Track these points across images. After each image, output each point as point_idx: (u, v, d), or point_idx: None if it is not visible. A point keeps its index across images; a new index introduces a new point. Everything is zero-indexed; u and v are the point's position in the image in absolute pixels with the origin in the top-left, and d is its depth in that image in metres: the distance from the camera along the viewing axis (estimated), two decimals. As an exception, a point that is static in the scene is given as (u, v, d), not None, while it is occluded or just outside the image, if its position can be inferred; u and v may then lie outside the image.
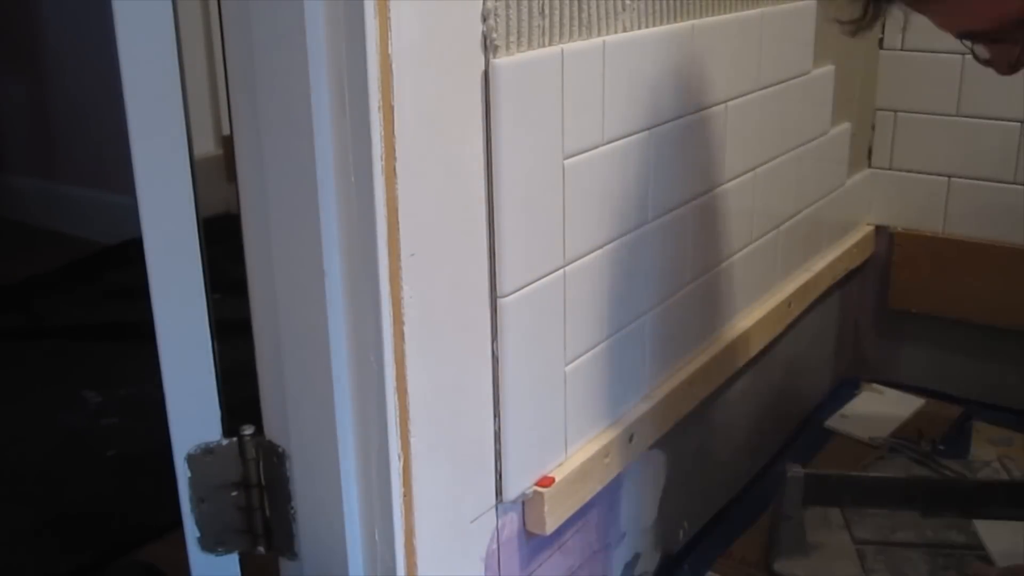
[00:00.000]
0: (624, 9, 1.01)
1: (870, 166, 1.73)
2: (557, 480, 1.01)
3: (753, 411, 1.49)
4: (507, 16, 0.86)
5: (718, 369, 1.29)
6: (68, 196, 2.86)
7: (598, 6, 0.97)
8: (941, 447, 1.58)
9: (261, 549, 0.96)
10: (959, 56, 1.60)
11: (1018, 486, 1.32)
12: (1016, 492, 1.34)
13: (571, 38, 0.94)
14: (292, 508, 0.92)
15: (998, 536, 1.35)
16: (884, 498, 1.33)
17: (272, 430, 0.92)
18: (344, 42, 0.76)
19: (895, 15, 0.89)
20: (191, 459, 0.91)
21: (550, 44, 0.92)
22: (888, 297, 1.78)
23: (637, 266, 1.10)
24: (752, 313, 1.39)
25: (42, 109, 2.90)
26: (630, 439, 1.12)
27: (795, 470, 1.29)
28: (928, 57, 1.63)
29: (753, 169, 1.32)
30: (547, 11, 0.91)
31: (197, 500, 0.92)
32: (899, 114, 1.68)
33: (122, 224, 2.33)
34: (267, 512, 0.94)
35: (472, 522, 0.94)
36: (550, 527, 1.01)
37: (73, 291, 2.44)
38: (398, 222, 0.79)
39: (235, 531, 0.94)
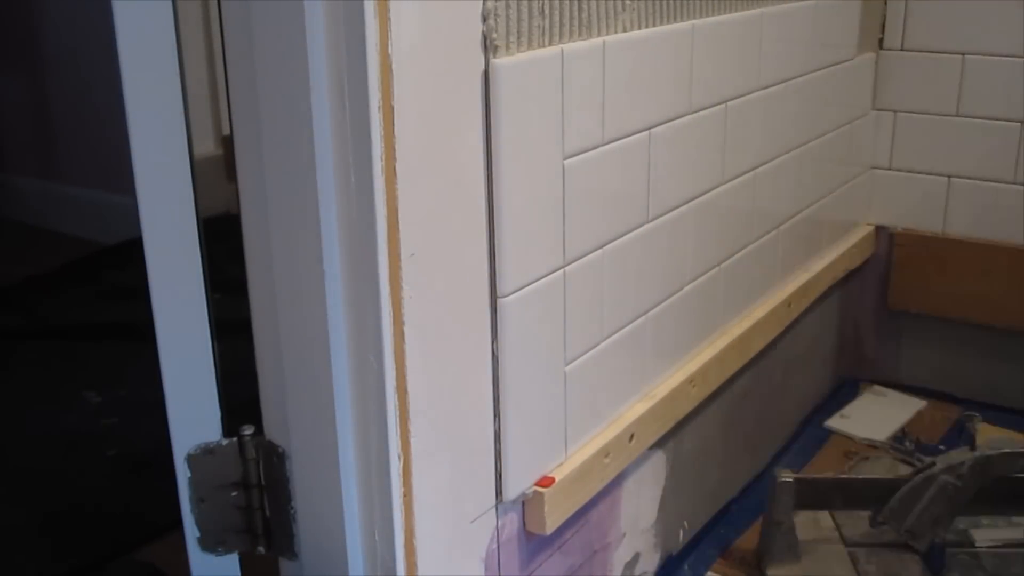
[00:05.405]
0: (624, 9, 1.01)
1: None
2: (557, 480, 1.01)
3: (753, 411, 1.49)
4: (507, 16, 0.86)
5: (718, 369, 1.29)
6: (68, 196, 2.86)
7: (598, 6, 0.97)
8: (941, 447, 1.58)
9: (261, 549, 0.96)
10: (959, 56, 1.60)
11: (1003, 481, 1.33)
12: (1001, 487, 1.34)
13: (571, 38, 0.94)
14: (292, 508, 0.92)
15: (985, 531, 1.35)
16: (874, 500, 1.33)
17: (272, 430, 0.92)
18: (344, 42, 0.76)
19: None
20: (191, 459, 0.91)
21: (550, 44, 0.92)
22: (888, 297, 1.78)
23: (637, 266, 1.10)
24: (752, 313, 1.39)
25: (42, 109, 2.90)
26: (630, 439, 1.12)
27: (785, 475, 1.29)
28: (928, 57, 1.63)
29: (753, 169, 1.32)
30: (547, 11, 0.91)
31: (197, 500, 0.92)
32: (899, 114, 1.68)
33: (122, 224, 2.34)
34: (267, 512, 0.94)
35: (472, 522, 0.94)
36: (550, 527, 1.01)
37: (73, 291, 2.44)
38: (398, 222, 0.79)
39: (235, 531, 0.94)
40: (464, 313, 0.88)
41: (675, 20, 1.09)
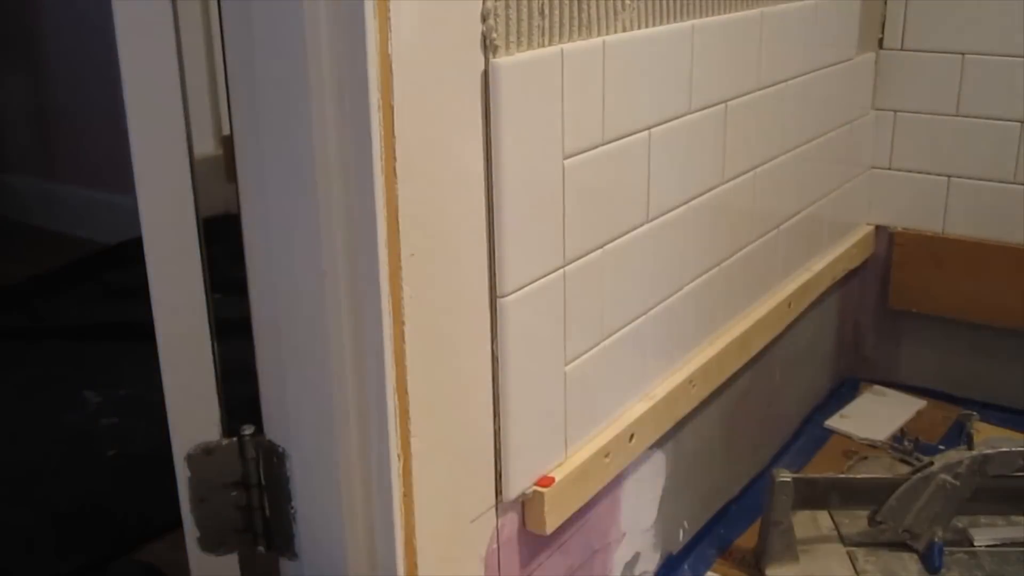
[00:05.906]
0: (624, 9, 1.01)
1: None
2: (557, 480, 1.01)
3: (753, 411, 1.49)
4: (507, 16, 0.86)
5: (718, 369, 1.29)
6: (68, 196, 2.86)
7: (598, 6, 0.97)
8: (941, 447, 1.58)
9: (261, 549, 0.96)
10: (959, 56, 1.60)
11: (1001, 480, 1.33)
12: (999, 486, 1.35)
13: (571, 38, 0.94)
14: (292, 508, 0.92)
15: (983, 530, 1.36)
16: (872, 499, 1.34)
17: (272, 430, 0.92)
18: (344, 42, 0.76)
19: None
20: (191, 459, 0.91)
21: (550, 44, 0.92)
22: (888, 297, 1.78)
23: (637, 266, 1.10)
24: (752, 313, 1.39)
25: (42, 109, 2.90)
26: (630, 439, 1.12)
27: (783, 475, 1.29)
28: (928, 57, 1.63)
29: (753, 169, 1.32)
30: (547, 11, 0.91)
31: (197, 500, 0.92)
32: (899, 114, 1.68)
33: (122, 224, 2.34)
34: (267, 512, 0.94)
35: (472, 522, 0.94)
36: (550, 527, 1.01)
37: (73, 291, 2.44)
38: (398, 222, 0.79)
39: (235, 531, 0.94)
40: (464, 313, 0.88)
41: (675, 20, 1.09)
